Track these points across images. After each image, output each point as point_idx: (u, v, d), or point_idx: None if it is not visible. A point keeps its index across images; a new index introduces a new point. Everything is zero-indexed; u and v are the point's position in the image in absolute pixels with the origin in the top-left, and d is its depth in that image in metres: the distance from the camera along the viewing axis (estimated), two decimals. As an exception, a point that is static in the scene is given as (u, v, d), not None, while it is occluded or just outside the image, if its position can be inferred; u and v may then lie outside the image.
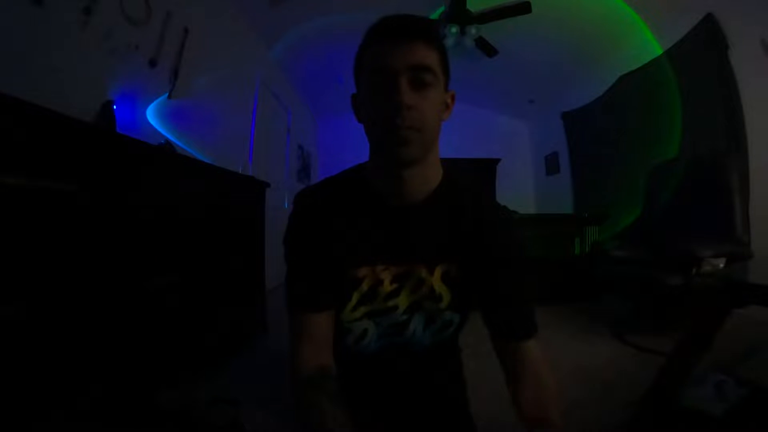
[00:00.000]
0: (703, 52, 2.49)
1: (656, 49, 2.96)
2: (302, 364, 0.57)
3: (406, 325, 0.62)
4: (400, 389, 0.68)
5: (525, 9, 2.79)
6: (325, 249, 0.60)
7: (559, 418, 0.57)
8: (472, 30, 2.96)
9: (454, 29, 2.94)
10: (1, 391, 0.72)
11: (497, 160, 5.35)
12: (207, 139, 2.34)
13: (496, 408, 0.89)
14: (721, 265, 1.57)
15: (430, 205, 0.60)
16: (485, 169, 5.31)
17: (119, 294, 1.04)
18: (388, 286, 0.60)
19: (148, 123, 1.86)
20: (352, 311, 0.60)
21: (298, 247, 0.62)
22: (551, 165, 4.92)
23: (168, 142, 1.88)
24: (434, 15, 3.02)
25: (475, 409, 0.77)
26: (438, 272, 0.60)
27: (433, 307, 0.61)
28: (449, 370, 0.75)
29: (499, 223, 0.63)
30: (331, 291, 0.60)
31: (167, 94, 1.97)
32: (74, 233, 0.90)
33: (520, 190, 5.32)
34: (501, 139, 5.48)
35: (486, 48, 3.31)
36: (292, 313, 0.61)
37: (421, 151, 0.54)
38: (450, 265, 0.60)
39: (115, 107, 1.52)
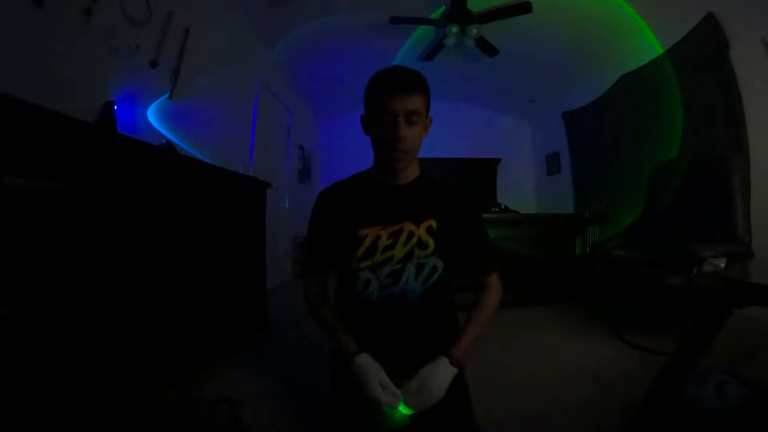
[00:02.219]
0: (704, 52, 2.48)
1: (657, 49, 2.95)
2: (311, 293, 0.92)
3: (401, 273, 0.82)
4: (399, 333, 0.84)
5: (525, 9, 2.79)
6: (336, 220, 0.87)
7: (483, 320, 0.86)
8: (473, 30, 2.95)
9: (454, 29, 2.93)
10: (2, 391, 0.72)
11: (498, 160, 5.34)
12: (208, 140, 2.34)
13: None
14: (722, 265, 1.56)
15: (414, 185, 0.90)
16: (486, 169, 5.31)
17: (120, 293, 1.05)
18: (385, 240, 0.83)
19: (149, 123, 1.87)
20: (358, 262, 0.82)
21: (316, 224, 0.92)
22: (552, 165, 4.91)
23: (169, 143, 1.88)
24: (434, 15, 3.01)
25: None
26: (423, 226, 0.84)
27: (421, 254, 0.82)
28: (443, 319, 0.90)
29: (461, 196, 0.92)
30: (333, 259, 0.88)
31: (168, 94, 1.98)
32: (75, 233, 0.91)
33: (521, 189, 5.31)
34: (502, 139, 5.47)
35: (487, 48, 3.31)
36: (307, 271, 0.95)
37: (408, 164, 0.86)
38: (431, 221, 0.84)
39: (116, 107, 1.53)
